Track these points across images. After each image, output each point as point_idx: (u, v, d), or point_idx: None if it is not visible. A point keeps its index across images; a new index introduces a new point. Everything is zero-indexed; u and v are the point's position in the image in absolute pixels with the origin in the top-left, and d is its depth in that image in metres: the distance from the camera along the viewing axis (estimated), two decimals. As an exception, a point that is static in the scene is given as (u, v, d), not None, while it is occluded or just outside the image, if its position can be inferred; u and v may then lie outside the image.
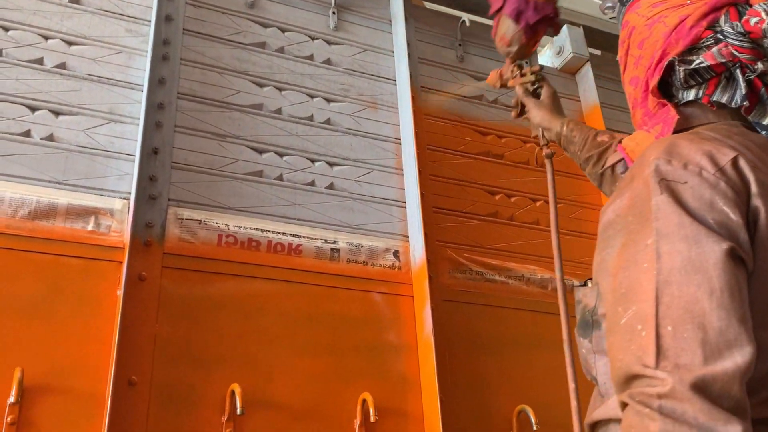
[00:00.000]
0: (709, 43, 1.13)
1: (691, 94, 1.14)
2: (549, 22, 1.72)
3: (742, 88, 1.09)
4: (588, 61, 3.10)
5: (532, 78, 1.73)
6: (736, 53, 1.09)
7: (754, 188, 0.93)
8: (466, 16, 2.98)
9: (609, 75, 3.25)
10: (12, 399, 1.63)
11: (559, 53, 3.13)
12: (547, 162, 1.67)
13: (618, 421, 0.98)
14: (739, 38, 1.10)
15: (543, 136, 1.66)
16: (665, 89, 1.16)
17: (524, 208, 2.69)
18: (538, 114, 1.66)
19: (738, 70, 1.10)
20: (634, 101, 1.21)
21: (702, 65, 1.11)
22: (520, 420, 2.21)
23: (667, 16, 1.16)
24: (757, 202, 0.92)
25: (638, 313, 0.88)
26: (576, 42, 3.10)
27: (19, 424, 1.69)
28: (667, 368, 0.84)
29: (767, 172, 0.97)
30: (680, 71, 1.13)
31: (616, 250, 0.95)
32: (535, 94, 1.73)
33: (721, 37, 1.12)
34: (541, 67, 1.68)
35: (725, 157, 0.95)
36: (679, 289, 0.87)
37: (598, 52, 3.27)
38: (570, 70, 3.14)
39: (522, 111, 1.75)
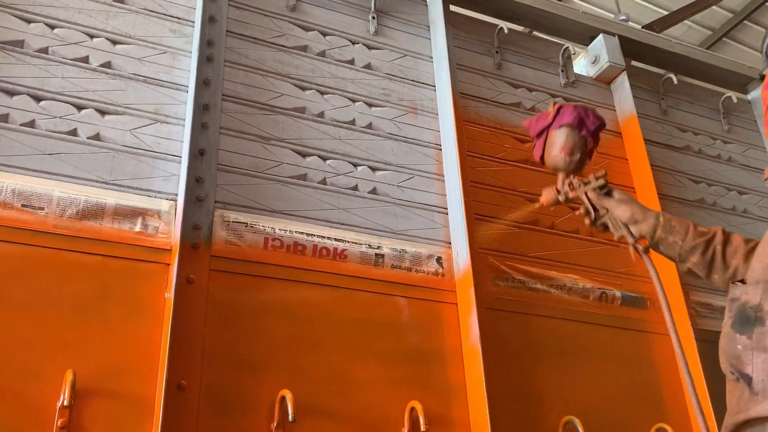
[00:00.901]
0: None
1: None
2: (600, 131, 1.75)
3: None
4: (624, 70, 3.08)
5: (602, 181, 1.70)
6: None
7: None
8: (503, 24, 2.96)
9: (644, 85, 3.23)
10: (65, 402, 1.58)
11: (594, 62, 3.11)
12: (645, 258, 1.62)
13: None
14: None
15: (631, 234, 1.62)
16: None
17: (564, 217, 2.66)
18: (626, 211, 1.64)
19: None
20: None
21: None
22: (567, 430, 2.17)
23: None
24: None
25: None
26: (612, 51, 3.08)
27: (70, 427, 1.65)
28: None
29: None
30: None
31: None
32: (608, 195, 1.70)
33: None
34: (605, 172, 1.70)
35: None
36: None
37: (635, 63, 3.26)
38: (605, 80, 3.12)
39: (596, 217, 1.70)
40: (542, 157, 1.79)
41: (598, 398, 2.31)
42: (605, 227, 1.67)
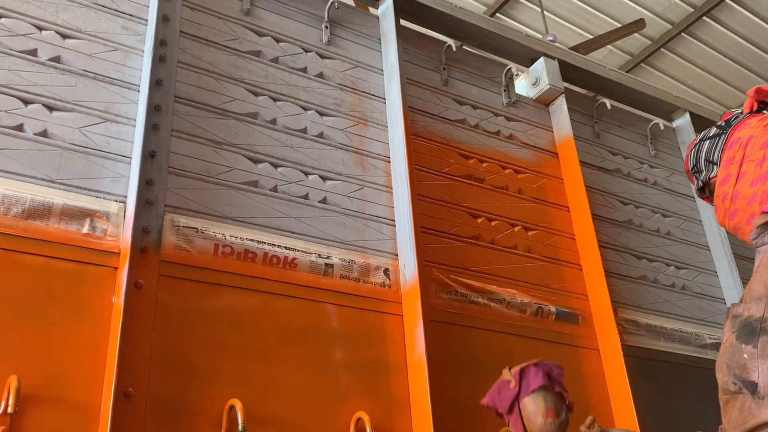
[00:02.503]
0: None
1: None
2: (562, 378, 1.85)
3: None
4: (562, 93, 3.20)
5: (594, 426, 1.79)
6: None
7: None
8: (451, 41, 3.03)
9: (580, 108, 3.37)
10: (9, 408, 1.52)
11: (535, 84, 3.23)
12: None
13: None
14: None
15: None
16: None
17: (504, 233, 2.75)
18: None
19: None
20: (751, 201, 1.37)
21: None
22: (505, 442, 2.24)
23: None
24: None
25: None
26: (552, 74, 3.20)
27: (11, 435, 1.58)
28: None
29: None
30: None
31: None
32: None
33: None
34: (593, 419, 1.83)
35: None
36: None
37: (572, 86, 3.39)
38: (544, 101, 3.23)
39: None
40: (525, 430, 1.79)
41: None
42: None
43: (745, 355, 1.20)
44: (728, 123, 1.50)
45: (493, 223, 2.74)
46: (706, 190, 1.53)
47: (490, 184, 2.84)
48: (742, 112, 1.51)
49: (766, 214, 1.33)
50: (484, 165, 2.87)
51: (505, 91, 3.14)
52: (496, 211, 2.78)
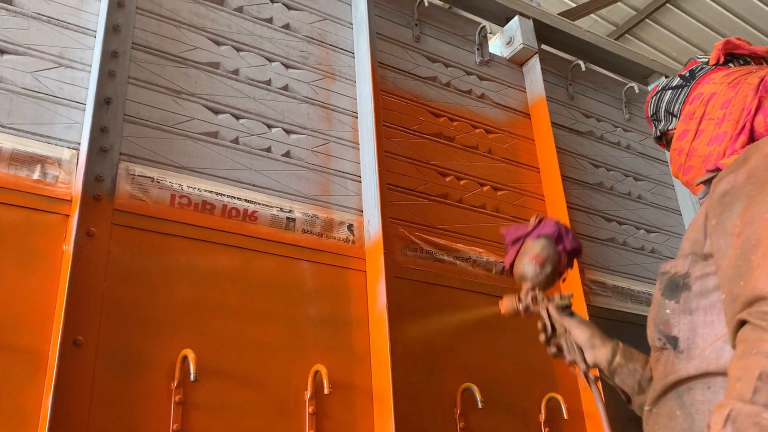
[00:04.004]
0: None
1: None
2: (576, 256, 1.69)
3: None
4: (536, 53, 3.16)
5: (567, 302, 1.61)
6: None
7: None
8: (424, -3, 2.97)
9: (554, 70, 3.33)
10: (-52, 354, 1.49)
11: (509, 43, 3.18)
12: (593, 388, 1.56)
13: (706, 376, 1.07)
14: None
15: (584, 360, 1.54)
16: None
17: (472, 192, 2.72)
18: (585, 332, 1.54)
19: None
20: (706, 159, 1.34)
21: None
22: (465, 397, 2.24)
23: (746, 78, 1.35)
24: None
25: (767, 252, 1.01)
26: (526, 33, 3.15)
27: (-47, 381, 1.55)
28: None
29: None
30: None
31: (736, 214, 1.08)
32: (570, 317, 1.60)
33: None
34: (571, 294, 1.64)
35: None
36: None
37: (546, 47, 3.35)
38: (518, 61, 3.19)
39: (553, 335, 1.62)
40: (512, 265, 1.70)
41: (495, 368, 2.39)
42: (559, 349, 1.60)
43: (667, 311, 1.20)
44: (692, 74, 1.46)
45: (461, 182, 2.71)
46: (663, 140, 1.51)
47: (460, 143, 2.80)
48: (707, 62, 1.48)
49: (709, 172, 1.31)
50: (455, 124, 2.83)
51: (478, 49, 3.09)
52: (465, 170, 2.75)
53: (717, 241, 1.12)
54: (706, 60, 1.49)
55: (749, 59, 1.45)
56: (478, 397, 2.18)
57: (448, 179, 2.68)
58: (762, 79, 1.32)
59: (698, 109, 1.38)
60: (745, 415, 0.90)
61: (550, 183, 2.91)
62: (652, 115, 1.52)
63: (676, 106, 1.46)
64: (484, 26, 3.13)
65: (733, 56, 1.46)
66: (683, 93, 1.45)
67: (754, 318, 0.97)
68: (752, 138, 1.28)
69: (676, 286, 1.21)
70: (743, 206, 1.08)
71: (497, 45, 3.23)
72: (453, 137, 2.79)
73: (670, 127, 1.49)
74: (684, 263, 1.21)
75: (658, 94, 1.51)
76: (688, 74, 1.48)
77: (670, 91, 1.48)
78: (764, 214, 1.04)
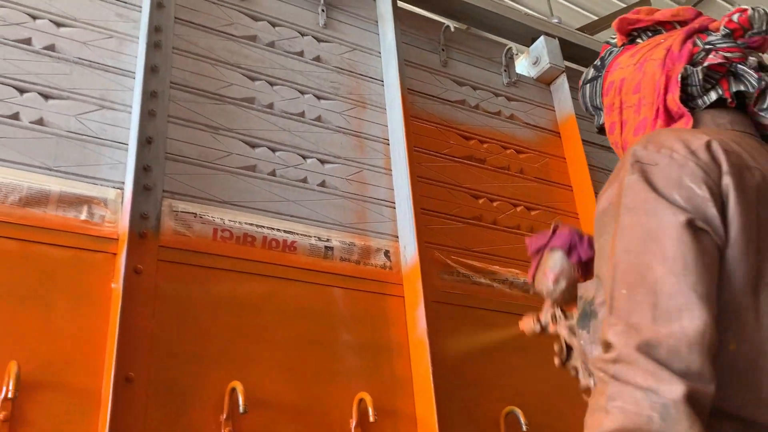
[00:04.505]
0: (701, 55, 1.22)
1: (712, 96, 1.21)
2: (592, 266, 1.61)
3: (752, 73, 1.19)
4: (564, 72, 3.17)
5: None
6: (729, 54, 1.20)
7: (725, 167, 0.99)
8: (450, 22, 3.01)
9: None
10: (9, 394, 1.53)
11: (536, 63, 3.20)
12: None
13: None
14: (726, 41, 1.21)
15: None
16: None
17: (506, 213, 2.73)
18: None
19: (738, 65, 1.20)
20: None
21: (712, 62, 1.19)
22: (509, 421, 2.24)
23: (651, 54, 1.25)
24: (727, 180, 0.98)
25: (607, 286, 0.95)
26: (552, 53, 3.17)
27: (13, 420, 1.59)
28: (618, 327, 0.90)
29: (746, 160, 1.03)
30: (698, 73, 1.20)
31: (610, 237, 1.00)
32: None
33: (710, 47, 1.22)
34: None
35: (698, 141, 1.02)
36: (637, 257, 0.93)
37: (573, 65, 3.36)
38: (546, 80, 3.21)
39: (568, 357, 1.53)
40: (534, 277, 1.63)
41: (537, 391, 2.39)
42: (576, 371, 1.50)
43: (582, 342, 1.16)
44: (603, 62, 1.37)
45: (494, 204, 2.73)
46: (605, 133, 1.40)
47: (491, 165, 2.82)
48: (616, 45, 1.37)
49: None
50: (485, 145, 2.85)
51: (505, 71, 3.12)
52: (497, 191, 2.77)
53: (600, 268, 1.05)
54: (615, 41, 1.38)
55: (659, 28, 1.32)
56: (522, 420, 2.18)
57: (481, 201, 2.70)
58: (668, 50, 1.23)
59: (615, 100, 1.29)
60: None
61: (583, 201, 2.91)
62: (586, 111, 1.47)
63: (597, 99, 1.38)
64: (510, 47, 3.16)
65: (639, 30, 1.34)
66: (598, 85, 1.36)
67: (597, 369, 0.91)
68: (670, 119, 1.20)
69: (585, 315, 1.16)
70: (614, 229, 0.99)
71: (524, 65, 3.26)
72: (484, 159, 2.81)
73: (601, 122, 1.41)
74: (591, 286, 1.14)
75: (581, 90, 1.42)
76: (599, 63, 1.38)
77: (588, 86, 1.40)
78: (624, 242, 0.96)
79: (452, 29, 2.98)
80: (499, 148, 2.88)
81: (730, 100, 1.19)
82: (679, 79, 1.19)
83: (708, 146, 1.00)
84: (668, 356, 0.85)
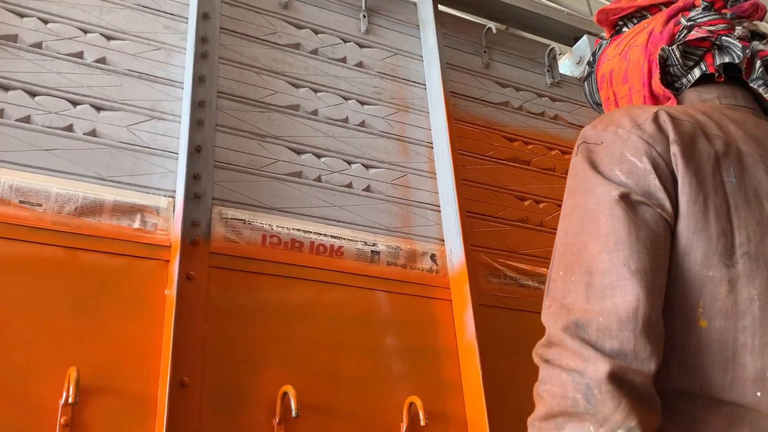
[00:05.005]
0: (684, 33, 1.17)
1: (696, 73, 1.15)
2: None
3: (735, 43, 1.12)
4: (608, 71, 3.13)
5: None
6: (712, 28, 1.14)
7: (672, 136, 0.95)
8: (491, 24, 3.00)
9: (626, 85, 3.29)
10: (69, 399, 1.57)
11: (579, 63, 3.16)
12: None
13: None
14: (707, 14, 1.15)
15: None
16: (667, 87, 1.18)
17: (552, 215, 2.71)
18: None
19: (722, 38, 1.14)
20: None
21: (692, 38, 1.14)
22: (560, 425, 2.21)
23: (635, 40, 1.21)
24: (674, 148, 0.94)
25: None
26: (596, 52, 3.13)
27: (73, 425, 1.63)
28: (551, 308, 0.88)
29: (708, 129, 0.99)
30: (675, 52, 1.15)
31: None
32: None
33: (692, 23, 1.16)
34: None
35: (647, 113, 0.98)
36: (574, 238, 0.91)
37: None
38: (589, 80, 3.17)
39: None
40: None
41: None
42: None
43: None
44: (594, 57, 1.34)
45: (540, 206, 2.71)
46: None
47: (536, 166, 2.80)
48: (605, 37, 1.33)
49: None
50: (530, 147, 2.83)
51: (548, 71, 3.09)
52: (543, 193, 2.74)
53: None
54: (604, 35, 1.34)
55: (644, 13, 1.27)
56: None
57: (526, 203, 2.68)
58: (650, 34, 1.18)
59: (609, 93, 1.26)
60: None
61: (630, 201, 2.86)
62: (592, 108, 1.45)
63: (596, 95, 1.34)
64: (552, 48, 3.13)
65: (624, 19, 1.29)
66: (593, 80, 1.33)
67: (535, 354, 0.90)
68: (658, 103, 1.15)
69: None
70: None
71: (567, 65, 3.22)
72: (529, 161, 2.79)
73: None
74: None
75: (582, 89, 1.39)
76: (591, 58, 1.35)
77: (585, 83, 1.37)
78: (564, 224, 0.95)
79: (494, 31, 2.97)
80: (543, 149, 2.86)
81: (717, 74, 1.13)
82: (659, 61, 1.15)
83: (655, 118, 0.97)
84: (598, 335, 0.83)
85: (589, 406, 0.80)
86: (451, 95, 2.70)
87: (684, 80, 1.16)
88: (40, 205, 1.83)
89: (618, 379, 0.81)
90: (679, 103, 1.14)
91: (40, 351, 1.69)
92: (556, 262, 0.94)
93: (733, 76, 1.14)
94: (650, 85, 1.15)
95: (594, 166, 0.95)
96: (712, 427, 0.88)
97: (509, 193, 2.66)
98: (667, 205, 0.91)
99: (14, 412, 1.61)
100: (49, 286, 1.77)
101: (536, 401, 0.89)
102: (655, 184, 0.91)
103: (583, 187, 0.94)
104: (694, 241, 0.90)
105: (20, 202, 1.81)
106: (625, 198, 0.89)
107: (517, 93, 2.95)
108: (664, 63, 1.15)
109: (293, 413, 1.75)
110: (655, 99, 1.15)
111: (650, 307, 0.84)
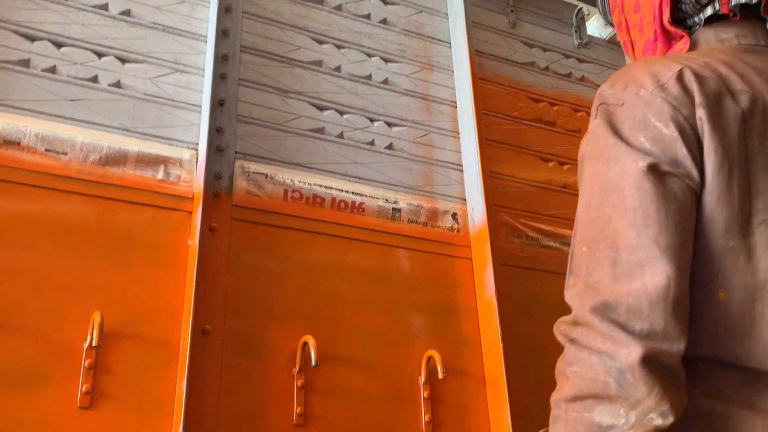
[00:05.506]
0: None
1: (708, 11, 1.10)
2: None
3: None
4: (637, 32, 3.07)
5: None
6: None
7: (698, 98, 0.90)
8: (518, -18, 2.95)
9: (655, 48, 3.23)
10: (93, 342, 1.60)
11: (606, 25, 3.10)
12: None
13: None
14: None
15: None
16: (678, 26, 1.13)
17: (576, 177, 2.67)
18: None
19: None
20: None
21: None
22: (578, 384, 2.21)
23: None
24: (701, 112, 0.89)
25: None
26: (625, 13, 3.07)
27: (97, 368, 1.67)
28: (577, 287, 0.85)
29: (732, 84, 0.94)
30: None
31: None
32: None
33: None
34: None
35: (670, 72, 0.92)
36: (597, 210, 0.86)
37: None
38: (617, 41, 3.11)
39: None
40: None
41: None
42: None
43: None
44: None
45: (565, 167, 2.68)
46: None
47: (561, 128, 2.76)
48: None
49: None
50: (555, 108, 2.80)
51: (576, 32, 3.04)
52: (567, 154, 2.71)
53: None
54: None
55: None
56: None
57: (550, 164, 2.65)
58: None
59: (620, 18, 1.19)
60: None
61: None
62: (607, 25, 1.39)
63: (609, 16, 1.28)
64: (581, 8, 3.07)
65: None
66: (606, 2, 1.27)
67: (558, 332, 0.88)
68: (670, 39, 1.10)
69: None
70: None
71: (595, 26, 3.16)
72: (554, 122, 2.76)
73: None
74: None
75: (597, 5, 1.33)
76: None
77: (599, 3, 1.30)
78: (585, 194, 0.90)
79: (521, -10, 2.92)
80: (569, 111, 2.82)
81: (732, 14, 1.07)
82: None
83: (680, 77, 0.91)
84: (627, 316, 0.80)
85: (621, 390, 0.79)
86: (476, 54, 2.67)
87: (696, 18, 1.11)
88: (65, 153, 1.85)
89: (650, 363, 0.79)
90: (693, 42, 1.09)
91: (66, 296, 1.73)
92: (578, 236, 0.90)
93: (751, 11, 1.09)
94: (661, 21, 1.10)
95: (616, 131, 0.90)
96: (730, 384, 0.87)
97: (533, 154, 2.64)
98: (695, 173, 0.87)
99: (41, 354, 1.65)
100: (75, 233, 1.79)
101: (560, 380, 0.87)
102: (682, 152, 0.87)
103: (606, 154, 0.89)
104: (717, 211, 0.87)
105: (46, 150, 1.83)
106: (653, 169, 0.85)
107: (544, 53, 2.91)
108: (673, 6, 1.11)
109: (313, 363, 1.77)
110: (666, 34, 1.10)
111: (680, 285, 0.82)
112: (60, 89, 1.94)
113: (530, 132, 2.68)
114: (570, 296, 0.87)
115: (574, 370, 0.83)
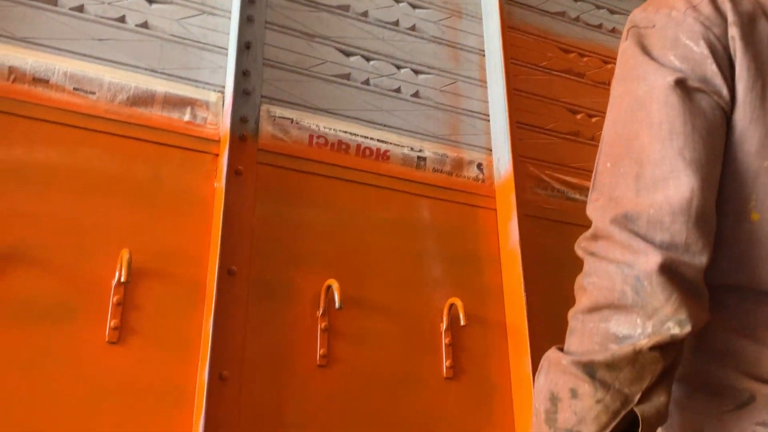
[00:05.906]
0: None
1: None
2: None
3: None
4: None
5: None
6: None
7: (731, 17, 0.89)
8: (551, -71, 2.87)
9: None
10: (122, 278, 1.62)
11: None
12: None
13: None
14: None
15: None
16: None
17: (604, 129, 2.64)
18: None
19: None
20: None
21: None
22: (600, 335, 2.22)
23: None
24: (733, 31, 0.88)
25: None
26: None
27: (125, 304, 1.70)
28: (599, 201, 0.86)
29: (765, 5, 0.92)
30: None
31: None
32: None
33: None
34: None
35: None
36: (624, 127, 0.86)
37: None
38: None
39: None
40: None
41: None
42: None
43: None
44: None
45: (593, 120, 2.64)
46: None
47: (590, 79, 2.72)
48: None
49: None
50: (585, 59, 2.74)
51: (608, -18, 2.96)
52: (596, 107, 2.67)
53: None
54: None
55: None
56: (614, 334, 2.15)
57: (578, 116, 2.62)
58: None
59: None
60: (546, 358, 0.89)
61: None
62: None
63: None
64: (614, -43, 2.99)
65: None
66: None
67: (578, 247, 0.89)
68: None
69: None
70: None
71: None
72: (583, 73, 2.71)
73: None
74: None
75: None
76: None
77: None
78: (613, 113, 0.91)
79: (554, -64, 2.84)
80: (599, 62, 2.77)
81: None
82: None
83: None
84: (648, 227, 0.79)
85: (638, 298, 0.78)
86: (506, 2, 2.61)
87: None
88: (93, 93, 1.85)
89: (669, 271, 0.78)
90: None
91: (94, 235, 1.75)
92: (603, 153, 0.91)
93: None
94: None
95: (646, 50, 0.90)
96: (761, 320, 0.86)
97: (561, 105, 2.60)
98: (725, 92, 0.86)
99: (70, 290, 1.67)
100: (102, 173, 1.81)
101: (578, 294, 0.87)
102: (712, 69, 0.86)
103: (634, 73, 0.89)
104: (750, 130, 0.86)
105: (74, 89, 1.83)
106: (680, 84, 0.85)
107: (575, 3, 2.84)
108: None
109: (336, 305, 1.79)
110: None
111: (704, 199, 0.81)
112: (88, 28, 1.93)
113: (559, 83, 2.64)
114: (592, 210, 0.88)
115: (591, 281, 0.84)
